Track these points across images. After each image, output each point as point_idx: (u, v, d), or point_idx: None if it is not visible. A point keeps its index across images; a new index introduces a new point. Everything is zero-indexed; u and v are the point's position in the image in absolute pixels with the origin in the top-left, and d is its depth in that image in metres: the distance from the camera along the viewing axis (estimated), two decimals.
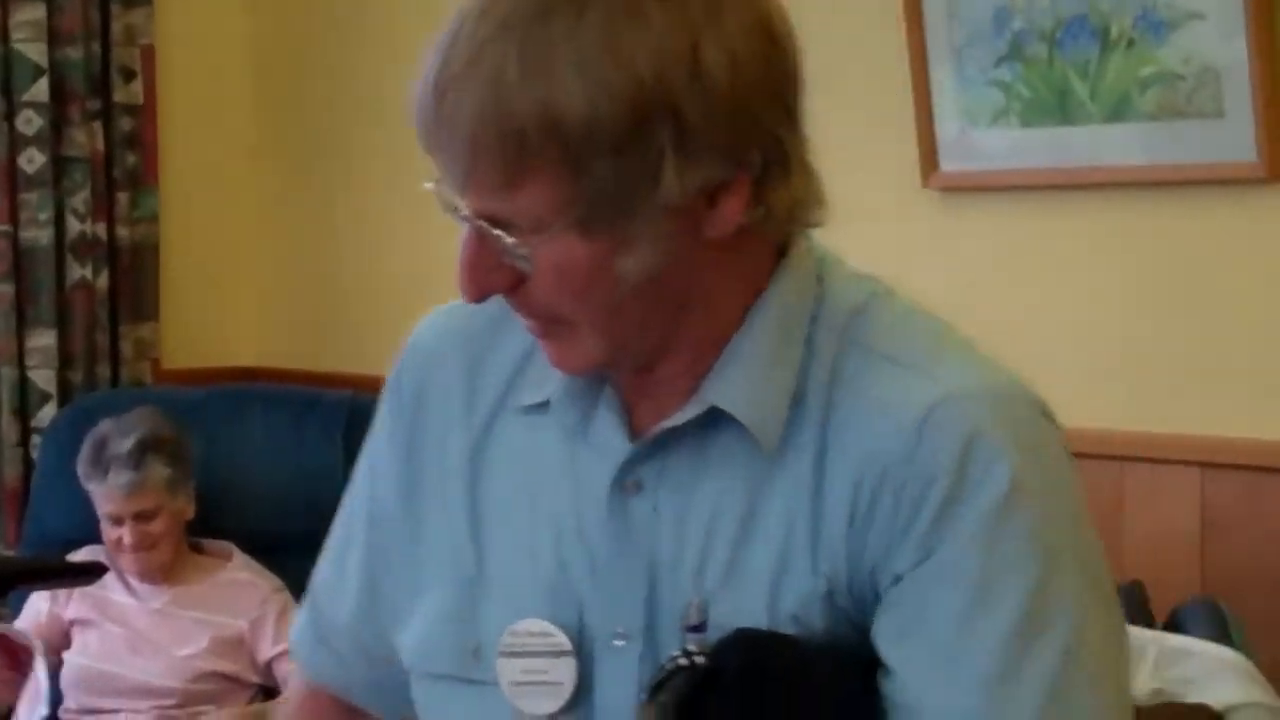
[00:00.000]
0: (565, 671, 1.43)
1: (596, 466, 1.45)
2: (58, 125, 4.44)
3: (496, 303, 1.44)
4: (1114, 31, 3.32)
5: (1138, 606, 3.19)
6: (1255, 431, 3.24)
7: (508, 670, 1.45)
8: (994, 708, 1.34)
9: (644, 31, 1.32)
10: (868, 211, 3.69)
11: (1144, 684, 3.03)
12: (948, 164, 3.57)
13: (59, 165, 4.45)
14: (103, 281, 4.51)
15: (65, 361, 4.46)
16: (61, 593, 3.86)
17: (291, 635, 1.70)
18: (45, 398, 4.42)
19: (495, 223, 1.35)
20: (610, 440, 1.45)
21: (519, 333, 1.47)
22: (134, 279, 4.57)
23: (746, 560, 1.40)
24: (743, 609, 1.39)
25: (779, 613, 1.38)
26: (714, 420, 1.41)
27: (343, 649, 1.64)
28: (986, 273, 3.57)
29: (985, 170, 3.54)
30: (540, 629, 1.44)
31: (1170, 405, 3.35)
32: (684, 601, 1.40)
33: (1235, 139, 3.21)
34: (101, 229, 4.50)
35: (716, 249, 1.39)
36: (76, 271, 4.47)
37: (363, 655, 1.62)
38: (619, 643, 1.43)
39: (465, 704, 1.49)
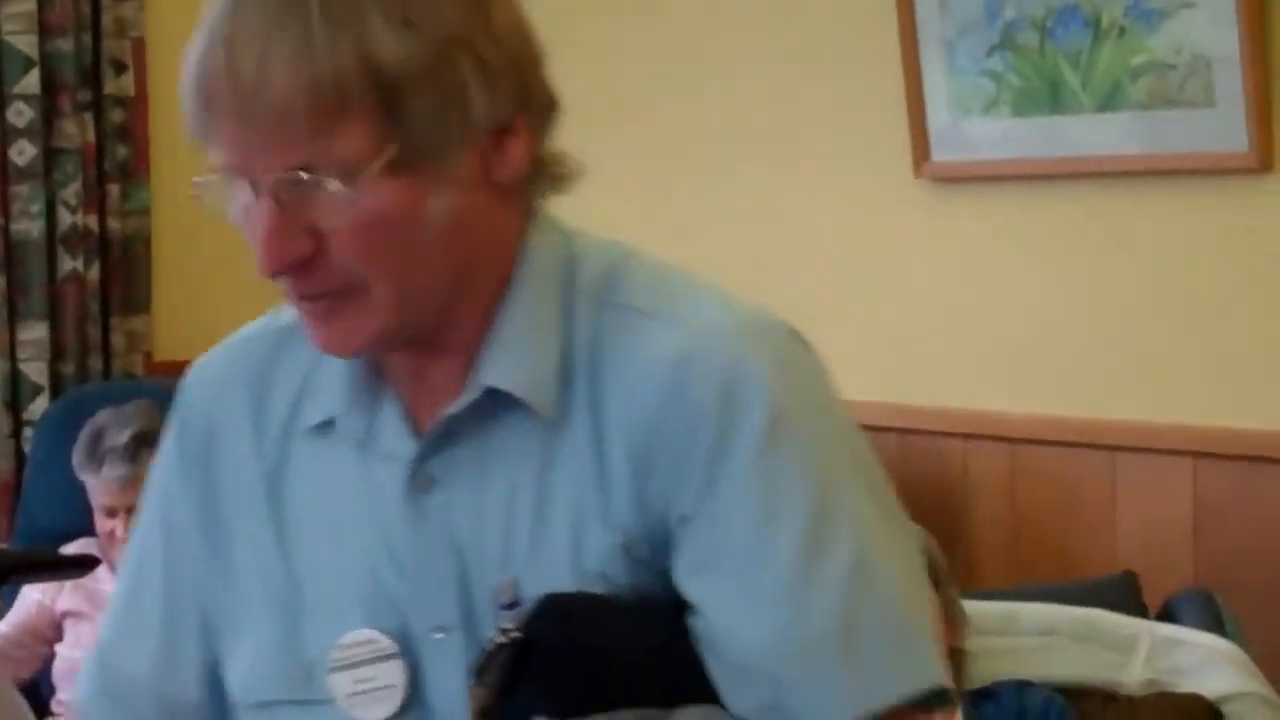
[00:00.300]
0: (395, 674, 1.45)
1: (388, 471, 1.46)
2: (48, 117, 4.42)
3: (273, 332, 1.53)
4: (1105, 20, 3.31)
5: (1130, 597, 3.20)
6: (1248, 421, 3.24)
7: (340, 684, 1.46)
8: (794, 621, 1.37)
9: None
10: (859, 202, 3.70)
11: (1137, 674, 3.03)
12: (939, 154, 3.56)
13: (50, 157, 4.43)
14: (94, 274, 4.48)
15: (57, 354, 4.44)
16: (53, 585, 3.83)
17: (77, 697, 1.63)
18: (37, 390, 4.40)
19: (309, 174, 1.36)
20: (397, 443, 1.46)
21: (298, 358, 1.51)
22: (125, 271, 4.54)
23: (547, 530, 1.42)
24: (550, 578, 1.41)
25: (585, 574, 1.41)
26: (492, 402, 1.43)
27: (141, 706, 1.59)
28: (978, 263, 3.57)
29: (976, 160, 3.54)
30: (364, 638, 1.46)
31: (1162, 394, 3.35)
32: (494, 583, 1.42)
33: (1226, 129, 3.20)
34: (93, 221, 4.48)
35: (496, 201, 1.43)
36: (68, 264, 4.45)
37: (163, 708, 1.58)
38: (440, 636, 1.45)
39: None
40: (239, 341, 1.58)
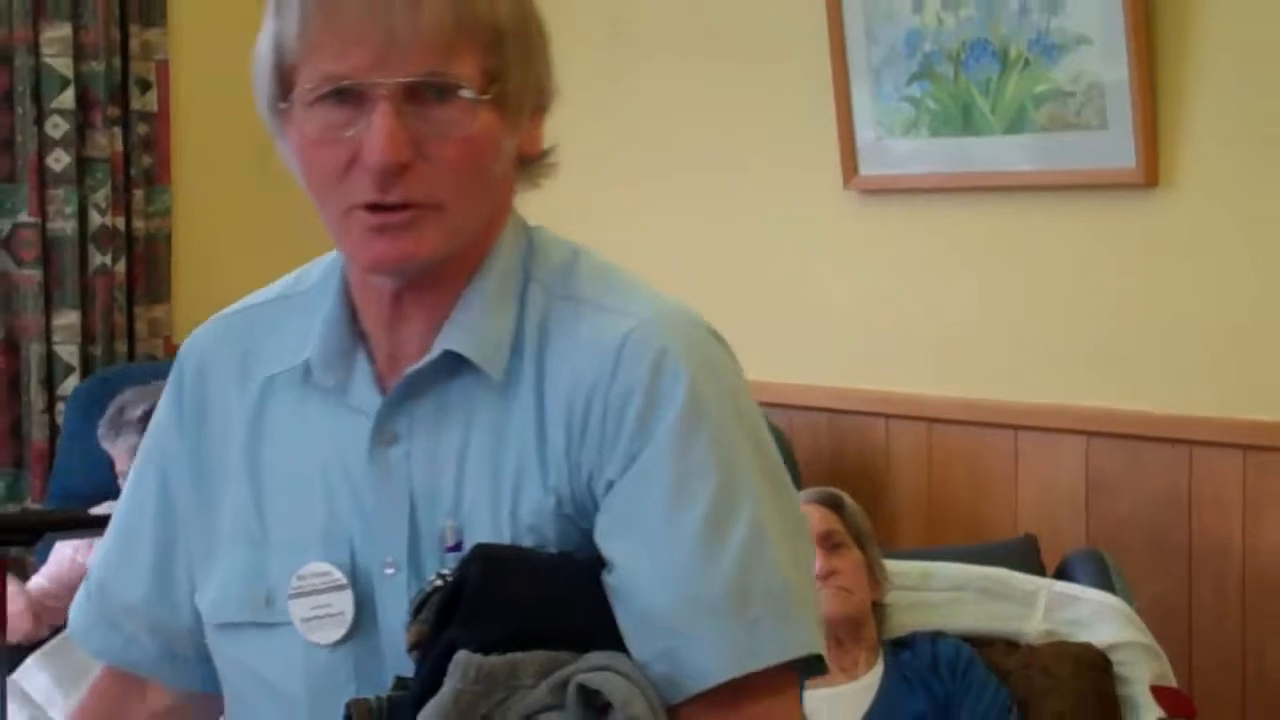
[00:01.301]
0: (346, 602, 1.44)
1: (356, 425, 1.46)
2: (82, 130, 4.39)
3: (260, 304, 1.56)
4: (1012, 53, 3.31)
5: (1031, 557, 3.22)
6: (1134, 404, 3.24)
7: (298, 609, 1.46)
8: (695, 585, 1.37)
9: None
10: (796, 210, 3.69)
11: (1037, 625, 3.04)
12: (866, 169, 3.55)
13: (83, 165, 4.40)
14: (120, 268, 4.45)
15: (87, 338, 4.40)
16: (83, 541, 3.79)
17: (71, 621, 1.63)
18: (69, 370, 4.37)
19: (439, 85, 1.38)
20: (366, 398, 1.46)
21: (281, 321, 1.52)
22: (148, 266, 4.52)
23: (491, 484, 1.42)
24: (490, 527, 1.41)
25: (519, 527, 1.40)
26: (450, 364, 1.44)
27: (133, 628, 1.58)
28: (899, 264, 3.57)
29: (898, 174, 3.53)
30: (321, 570, 1.45)
31: (1060, 380, 3.34)
32: (441, 527, 1.42)
33: (1117, 148, 3.20)
34: (120, 222, 4.45)
35: (512, 173, 1.46)
36: (97, 259, 4.42)
37: (154, 631, 1.58)
38: (390, 571, 1.44)
39: (262, 645, 1.48)
40: (230, 312, 1.58)
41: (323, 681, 1.45)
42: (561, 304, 1.45)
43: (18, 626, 3.64)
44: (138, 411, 3.71)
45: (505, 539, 1.40)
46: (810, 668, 1.39)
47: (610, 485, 1.39)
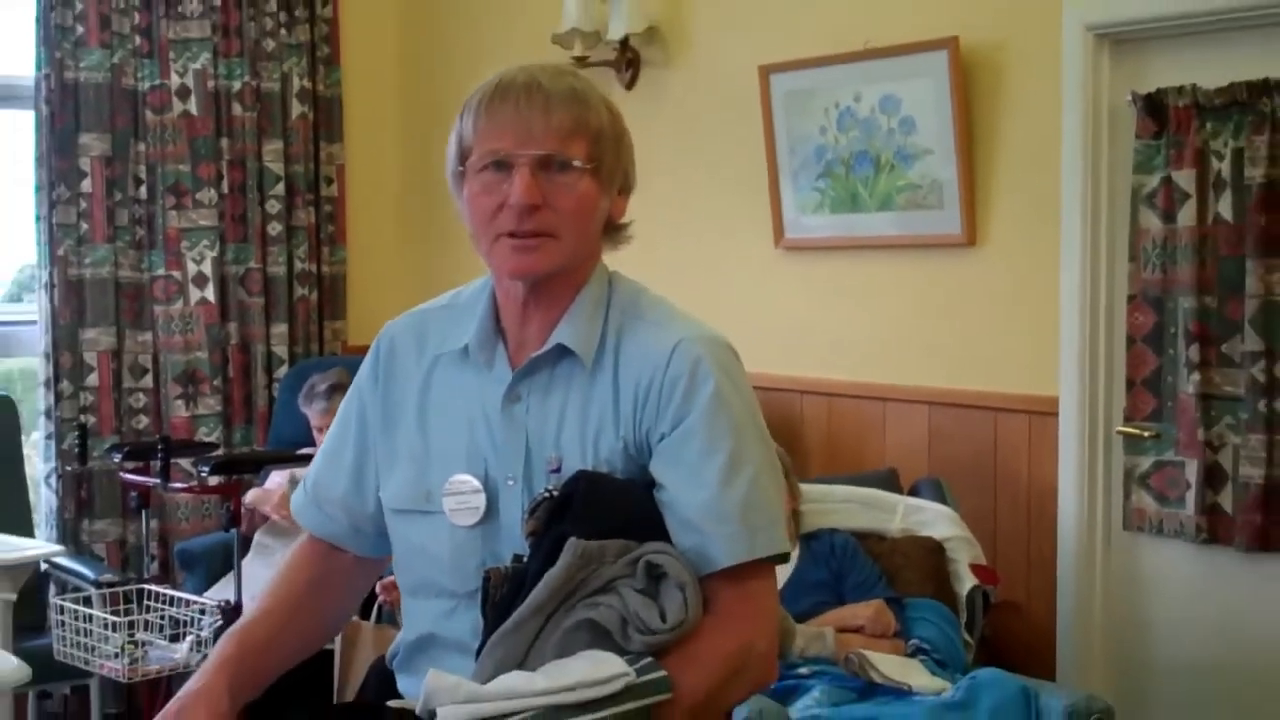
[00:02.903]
0: (479, 501, 1.44)
1: (494, 388, 1.46)
2: (289, 208, 4.42)
3: (436, 308, 1.54)
4: (883, 160, 3.32)
5: (893, 482, 3.22)
6: (960, 384, 3.25)
7: (448, 503, 1.46)
8: (717, 502, 1.38)
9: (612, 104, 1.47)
10: (741, 262, 3.70)
11: (897, 525, 3.05)
12: (790, 234, 3.56)
13: (290, 231, 4.43)
14: (314, 297, 4.48)
15: (292, 341, 4.43)
16: (289, 471, 3.81)
17: (293, 504, 1.63)
18: (281, 362, 4.40)
19: (562, 157, 1.40)
20: (502, 372, 1.47)
21: (450, 322, 1.51)
22: (332, 296, 4.54)
23: (580, 431, 1.42)
24: (579, 457, 1.41)
25: (598, 459, 1.41)
26: (559, 354, 1.44)
27: (333, 512, 1.58)
28: (811, 297, 3.57)
29: (811, 238, 3.54)
30: (464, 479, 1.45)
31: (912, 371, 3.36)
32: (547, 456, 1.42)
33: (949, 221, 3.22)
34: (313, 267, 4.48)
35: (601, 232, 1.47)
36: (299, 291, 4.45)
37: (347, 515, 1.57)
38: (510, 483, 1.44)
39: (422, 525, 1.49)
40: (414, 311, 1.58)
41: (461, 550, 1.45)
42: (632, 320, 1.45)
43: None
44: (323, 387, 3.74)
45: (589, 466, 1.40)
46: (781, 560, 1.41)
47: (662, 437, 1.40)
